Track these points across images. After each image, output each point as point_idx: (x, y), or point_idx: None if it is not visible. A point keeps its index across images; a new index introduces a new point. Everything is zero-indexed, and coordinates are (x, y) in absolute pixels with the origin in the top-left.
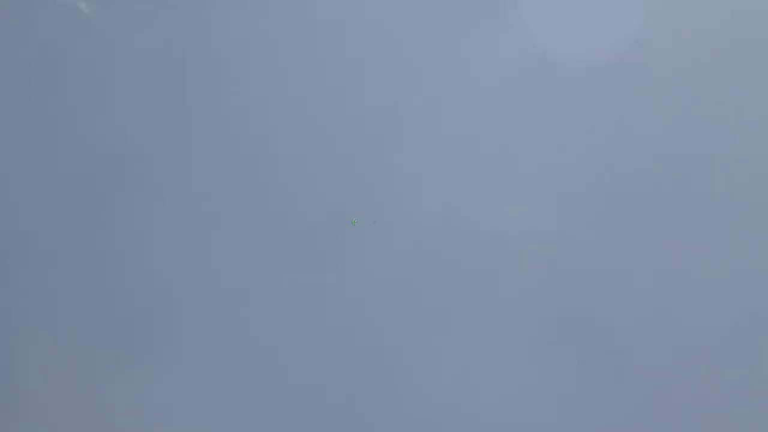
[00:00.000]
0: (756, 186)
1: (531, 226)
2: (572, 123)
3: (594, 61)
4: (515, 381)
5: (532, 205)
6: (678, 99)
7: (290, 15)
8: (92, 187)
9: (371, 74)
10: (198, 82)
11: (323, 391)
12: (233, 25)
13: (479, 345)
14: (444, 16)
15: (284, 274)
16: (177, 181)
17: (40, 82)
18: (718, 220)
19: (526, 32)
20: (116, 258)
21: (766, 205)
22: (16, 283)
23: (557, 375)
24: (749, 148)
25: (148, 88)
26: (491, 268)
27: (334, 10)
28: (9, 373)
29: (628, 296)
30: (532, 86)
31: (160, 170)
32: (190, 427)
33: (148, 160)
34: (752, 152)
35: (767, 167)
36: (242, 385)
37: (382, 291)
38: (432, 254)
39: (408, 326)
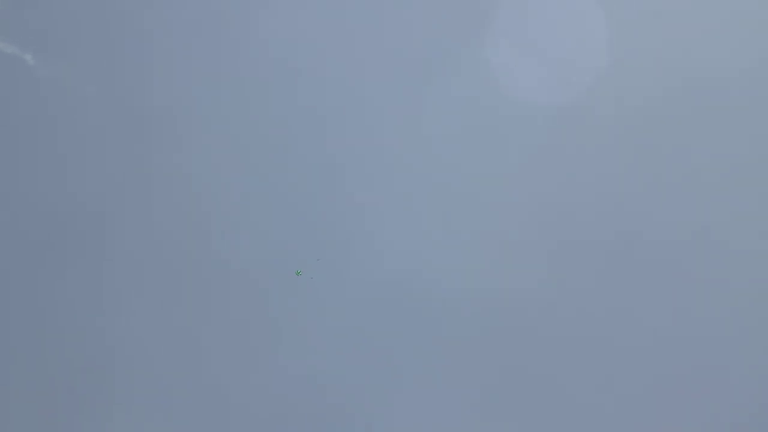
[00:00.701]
0: (716, 229)
1: (480, 265)
2: (534, 165)
3: (557, 101)
4: (461, 423)
5: (488, 244)
6: (640, 140)
7: (242, 53)
8: (38, 238)
9: (332, 121)
10: (145, 129)
11: None
12: (180, 72)
13: (431, 395)
14: (409, 61)
15: (233, 313)
16: (126, 229)
17: None
18: (671, 269)
19: (490, 77)
20: (62, 306)
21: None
22: None
23: (501, 415)
24: (715, 190)
25: (95, 137)
26: (443, 317)
27: (294, 53)
28: None
29: (580, 348)
30: (494, 128)
31: (108, 219)
32: None
33: (92, 213)
34: (717, 194)
35: (732, 208)
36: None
37: (337, 337)
38: (388, 302)
39: (361, 373)
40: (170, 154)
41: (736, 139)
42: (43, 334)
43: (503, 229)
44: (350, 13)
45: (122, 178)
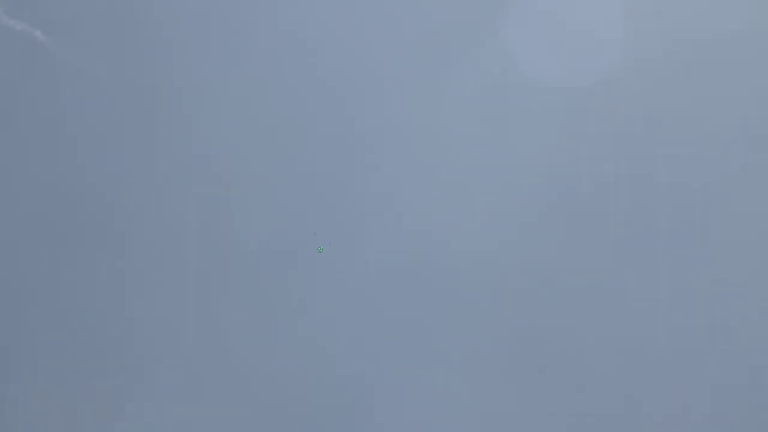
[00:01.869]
0: (721, 210)
1: (496, 246)
2: (547, 145)
3: (574, 84)
4: (480, 400)
5: (504, 227)
6: (654, 123)
7: (255, 36)
8: (53, 221)
9: (347, 95)
10: (158, 108)
11: (290, 416)
12: (194, 52)
13: (447, 364)
14: (424, 39)
15: (252, 296)
16: (140, 209)
17: None
18: (678, 241)
19: (506, 57)
20: (81, 288)
21: (727, 227)
22: None
23: (520, 393)
24: (723, 170)
25: (107, 118)
26: (457, 287)
27: (304, 30)
28: None
29: (591, 316)
30: (510, 109)
31: (121, 200)
32: None
33: (107, 192)
34: (725, 174)
35: (736, 192)
36: (211, 413)
37: (348, 312)
38: (400, 275)
39: (374, 347)
40: (185, 135)
41: (759, 115)
42: (61, 319)
43: (520, 205)
44: None
45: (136, 159)
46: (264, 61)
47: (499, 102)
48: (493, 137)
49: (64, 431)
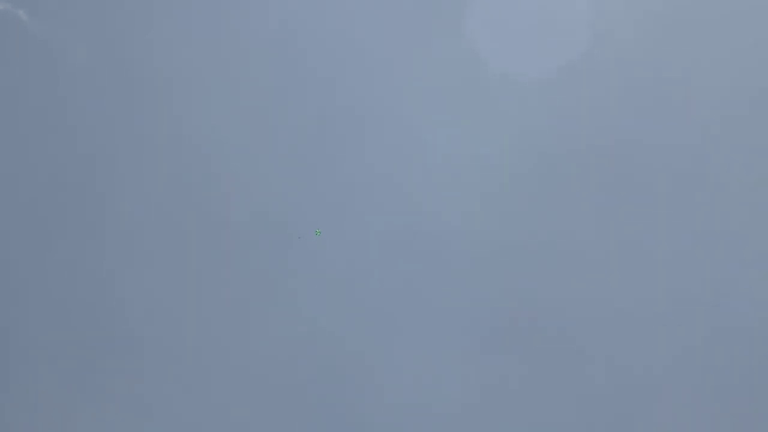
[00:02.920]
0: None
1: (482, 215)
2: (531, 109)
3: (540, 76)
4: (467, 375)
5: (488, 195)
6: (622, 112)
7: (244, 16)
8: (39, 205)
9: (323, 84)
10: (143, 89)
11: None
12: (181, 31)
13: (435, 338)
14: (394, 26)
15: (243, 273)
16: (127, 192)
17: None
18: (663, 202)
19: (473, 48)
20: (70, 268)
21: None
22: None
23: (509, 367)
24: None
25: (91, 98)
26: (447, 257)
27: (288, 18)
28: None
29: (579, 283)
30: (476, 100)
31: (107, 182)
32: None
33: (93, 175)
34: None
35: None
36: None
37: (338, 284)
38: (389, 247)
39: (366, 319)
40: (169, 110)
41: (738, 95)
42: (51, 302)
43: (504, 171)
44: None
45: (122, 141)
46: (248, 34)
47: (475, 74)
48: (472, 103)
49: (54, 411)
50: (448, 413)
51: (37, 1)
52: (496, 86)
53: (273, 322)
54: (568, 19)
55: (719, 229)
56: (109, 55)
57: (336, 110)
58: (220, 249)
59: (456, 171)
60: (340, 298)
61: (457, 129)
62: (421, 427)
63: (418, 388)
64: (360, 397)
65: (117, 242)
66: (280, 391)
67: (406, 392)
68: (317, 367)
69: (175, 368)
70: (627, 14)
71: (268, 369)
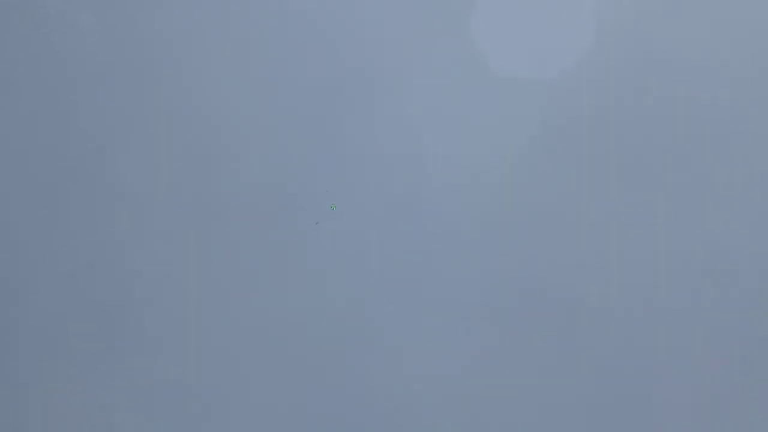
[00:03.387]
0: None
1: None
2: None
3: (544, 76)
4: (473, 346)
5: (499, 160)
6: (629, 112)
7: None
8: (51, 185)
9: (332, 83)
10: (147, 51)
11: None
12: (196, 11)
13: (441, 309)
14: (402, 26)
15: (249, 232)
16: (132, 152)
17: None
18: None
19: (477, 49)
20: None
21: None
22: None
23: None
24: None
25: (96, 60)
26: (455, 220)
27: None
28: None
29: (587, 252)
30: (481, 101)
31: (112, 143)
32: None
33: (98, 136)
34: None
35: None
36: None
37: (346, 245)
38: (397, 208)
39: (372, 280)
40: (176, 75)
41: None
42: (55, 257)
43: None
44: None
45: (126, 102)
46: (256, 8)
47: (470, 94)
48: (489, 73)
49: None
50: (452, 384)
51: None
52: (506, 56)
53: (280, 292)
54: (574, 18)
55: (727, 201)
56: (114, 19)
57: (343, 85)
58: (227, 205)
59: (465, 146)
60: (345, 267)
61: (463, 101)
62: (426, 395)
63: (424, 358)
64: (364, 365)
65: (120, 201)
66: (285, 354)
67: (409, 363)
68: (323, 336)
69: (179, 324)
70: (634, 12)
71: (274, 335)
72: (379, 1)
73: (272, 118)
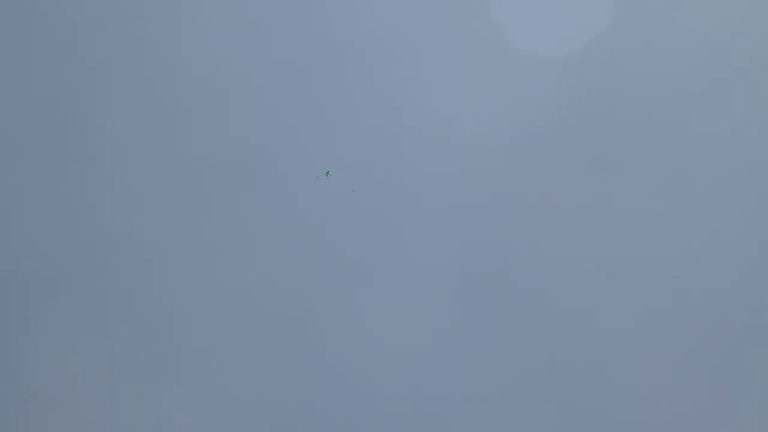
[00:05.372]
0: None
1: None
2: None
3: (562, 53)
4: (439, 324)
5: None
6: (646, 89)
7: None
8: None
9: (353, 77)
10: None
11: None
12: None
13: (410, 287)
14: (420, 14)
15: (254, 187)
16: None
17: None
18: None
19: (498, 28)
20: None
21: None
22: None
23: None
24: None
25: (106, 14)
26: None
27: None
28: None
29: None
30: (501, 78)
31: (113, 106)
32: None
33: (93, 96)
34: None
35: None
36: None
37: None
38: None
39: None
40: (186, 33)
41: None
42: (59, 225)
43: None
44: None
45: (136, 60)
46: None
47: (491, 72)
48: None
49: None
50: (417, 354)
51: None
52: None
53: (255, 264)
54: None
55: (705, 193)
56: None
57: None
58: (233, 163)
59: (451, 131)
60: (319, 242)
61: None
62: (393, 366)
63: (393, 335)
64: (338, 340)
65: (125, 162)
66: (263, 327)
67: (379, 341)
68: (300, 310)
69: (185, 277)
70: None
71: (252, 308)
72: None
73: (280, 83)
